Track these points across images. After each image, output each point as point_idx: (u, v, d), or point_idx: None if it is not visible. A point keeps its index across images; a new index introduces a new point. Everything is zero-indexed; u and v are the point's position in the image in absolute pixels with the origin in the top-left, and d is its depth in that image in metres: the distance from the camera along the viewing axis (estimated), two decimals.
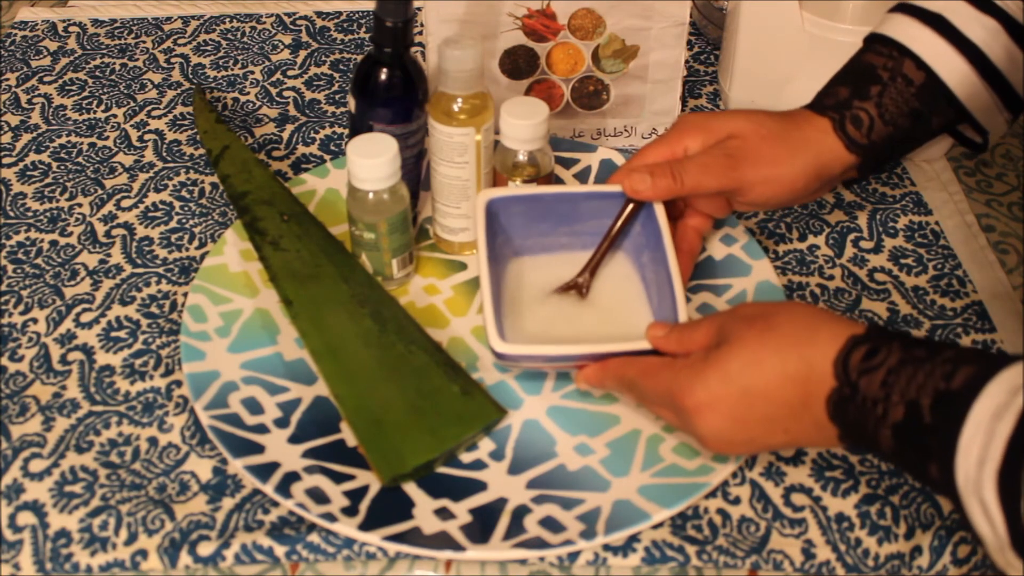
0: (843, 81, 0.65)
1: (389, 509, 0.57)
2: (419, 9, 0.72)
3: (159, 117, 0.86)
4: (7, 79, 0.90)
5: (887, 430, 0.46)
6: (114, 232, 0.75)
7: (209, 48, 0.94)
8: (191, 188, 0.79)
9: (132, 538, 0.56)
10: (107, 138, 0.83)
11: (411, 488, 0.58)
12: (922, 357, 0.46)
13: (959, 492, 0.43)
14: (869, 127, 0.63)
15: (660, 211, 0.64)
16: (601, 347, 0.59)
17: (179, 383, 0.64)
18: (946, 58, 0.63)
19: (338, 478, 0.58)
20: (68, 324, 0.68)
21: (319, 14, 0.98)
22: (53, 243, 0.74)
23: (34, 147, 0.83)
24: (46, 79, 0.90)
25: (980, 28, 0.63)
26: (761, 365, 0.50)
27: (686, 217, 0.67)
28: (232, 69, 0.91)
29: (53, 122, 0.85)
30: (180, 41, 0.95)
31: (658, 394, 0.54)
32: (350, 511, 0.56)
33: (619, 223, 0.65)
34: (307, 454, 0.59)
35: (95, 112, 0.86)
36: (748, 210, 0.67)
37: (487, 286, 0.61)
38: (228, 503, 0.58)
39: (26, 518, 0.57)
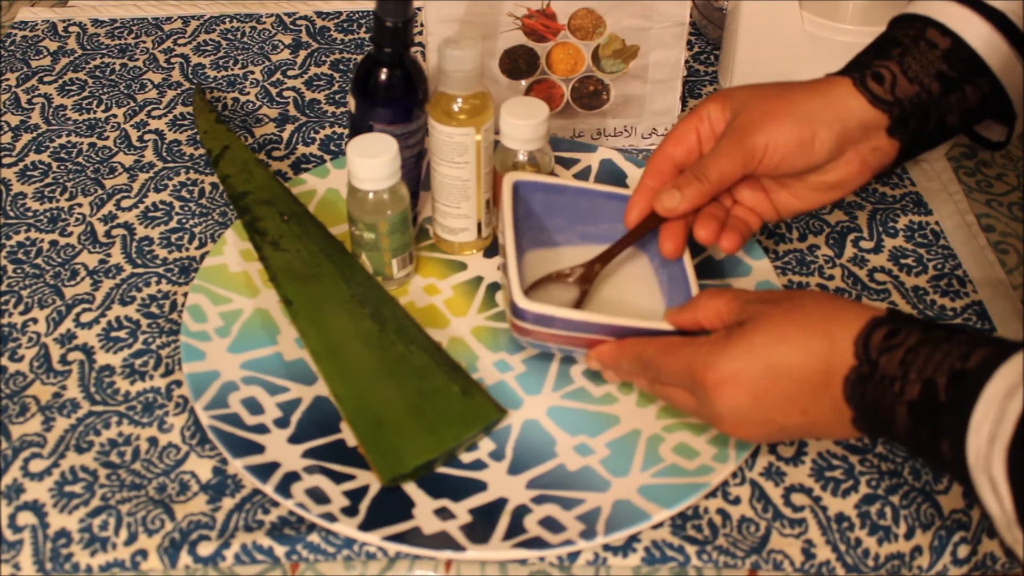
0: (863, 52, 0.65)
1: (389, 509, 0.57)
2: (419, 9, 0.72)
3: (159, 117, 0.86)
4: (7, 79, 0.90)
5: (903, 407, 0.47)
6: (114, 232, 0.75)
7: (209, 48, 0.94)
8: (191, 188, 0.79)
9: (132, 538, 0.56)
10: (107, 138, 0.83)
11: (411, 488, 0.58)
12: (940, 338, 0.47)
13: (969, 469, 0.44)
14: (892, 83, 0.62)
15: None
16: (626, 321, 0.58)
17: (179, 383, 0.64)
18: (969, 22, 0.62)
19: (338, 478, 0.58)
20: (68, 324, 0.68)
21: (319, 14, 0.98)
22: (53, 243, 0.74)
23: (34, 147, 0.83)
24: (46, 79, 0.90)
25: None
26: (787, 340, 0.51)
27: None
28: (232, 69, 0.91)
29: (53, 122, 0.85)
30: (180, 41, 0.95)
31: (677, 372, 0.54)
32: (350, 511, 0.56)
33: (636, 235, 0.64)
34: (307, 454, 0.59)
35: (95, 112, 0.86)
36: (778, 181, 0.64)
37: (512, 249, 0.60)
38: (228, 503, 0.58)
39: (26, 518, 0.57)
